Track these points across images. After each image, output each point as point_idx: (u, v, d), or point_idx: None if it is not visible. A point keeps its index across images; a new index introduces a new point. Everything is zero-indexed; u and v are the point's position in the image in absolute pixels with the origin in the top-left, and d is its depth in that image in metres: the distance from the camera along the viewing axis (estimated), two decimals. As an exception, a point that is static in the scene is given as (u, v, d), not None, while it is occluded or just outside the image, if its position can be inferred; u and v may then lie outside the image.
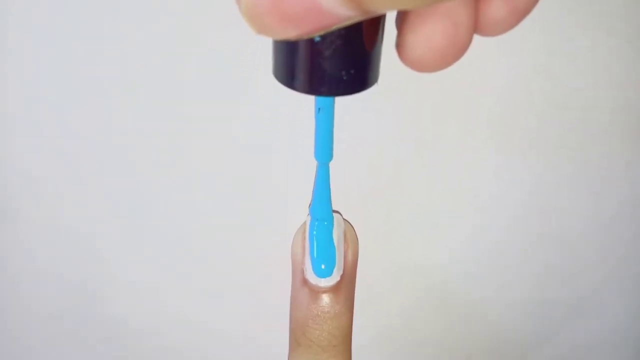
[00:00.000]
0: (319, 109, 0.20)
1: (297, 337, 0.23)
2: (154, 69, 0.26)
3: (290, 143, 0.29)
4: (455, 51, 0.14)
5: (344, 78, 0.16)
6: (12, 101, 0.27)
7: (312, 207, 0.24)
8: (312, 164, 0.28)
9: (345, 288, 0.23)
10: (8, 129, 0.27)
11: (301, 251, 0.24)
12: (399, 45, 0.15)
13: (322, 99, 0.19)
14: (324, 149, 0.22)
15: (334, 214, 0.24)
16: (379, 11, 0.12)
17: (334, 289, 0.23)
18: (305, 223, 0.25)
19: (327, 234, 0.23)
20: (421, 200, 0.34)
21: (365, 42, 0.16)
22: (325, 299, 0.23)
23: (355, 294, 0.28)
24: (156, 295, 0.32)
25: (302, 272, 0.23)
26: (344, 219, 0.24)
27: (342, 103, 0.32)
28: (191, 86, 0.27)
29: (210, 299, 0.33)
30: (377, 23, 0.16)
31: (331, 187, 0.23)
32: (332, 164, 0.27)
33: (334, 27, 0.12)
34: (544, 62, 0.32)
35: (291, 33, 0.12)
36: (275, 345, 0.30)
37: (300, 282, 0.23)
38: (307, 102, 0.29)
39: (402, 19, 0.15)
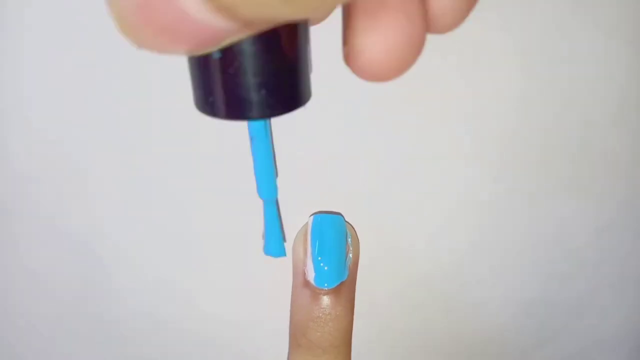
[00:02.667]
0: (251, 137, 0.18)
1: (298, 338, 0.23)
2: (155, 70, 0.26)
3: (294, 142, 0.29)
4: (413, 51, 0.13)
5: (256, 99, 0.14)
6: (11, 101, 0.27)
7: (265, 247, 0.22)
8: (316, 163, 0.28)
9: (347, 289, 0.23)
10: (7, 128, 0.27)
11: (302, 252, 0.24)
12: (348, 54, 0.13)
13: (252, 126, 0.17)
14: (266, 184, 0.19)
15: (338, 216, 0.24)
16: (255, 19, 0.11)
17: (335, 291, 0.23)
18: (307, 224, 0.25)
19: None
20: (422, 201, 0.34)
21: (275, 56, 0.14)
22: (326, 300, 0.23)
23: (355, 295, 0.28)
24: (156, 296, 0.32)
25: (303, 273, 0.23)
26: (346, 221, 0.24)
27: (338, 105, 0.32)
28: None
29: (212, 299, 0.33)
30: (283, 34, 0.14)
31: (282, 221, 0.21)
32: (331, 166, 0.27)
33: (223, 43, 0.11)
34: (544, 63, 0.32)
35: (172, 48, 0.11)
36: (275, 346, 0.30)
37: (301, 283, 0.23)
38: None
39: (348, 22, 0.13)
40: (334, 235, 0.24)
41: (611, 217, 0.39)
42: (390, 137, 0.31)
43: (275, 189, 0.19)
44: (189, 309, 0.33)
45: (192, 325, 0.34)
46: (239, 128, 0.29)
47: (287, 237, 0.24)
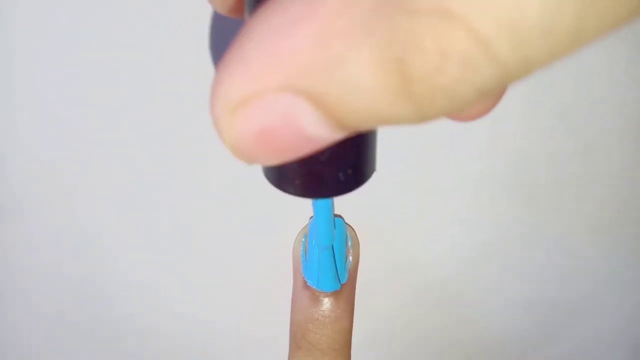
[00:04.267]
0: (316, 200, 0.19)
1: (297, 340, 0.23)
2: (160, 67, 0.26)
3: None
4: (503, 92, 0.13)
5: (342, 179, 0.15)
6: (16, 96, 0.27)
7: (319, 284, 0.23)
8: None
9: (346, 292, 0.23)
10: (12, 124, 0.27)
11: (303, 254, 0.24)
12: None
13: None
14: (325, 235, 0.21)
15: (336, 218, 0.24)
16: (364, 129, 0.11)
17: (335, 293, 0.23)
18: (306, 227, 0.25)
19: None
20: (420, 199, 0.34)
21: (360, 143, 0.15)
22: (326, 303, 0.23)
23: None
24: (161, 295, 0.32)
25: (303, 275, 0.23)
26: (346, 223, 0.24)
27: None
28: (197, 86, 0.27)
29: (215, 299, 0.33)
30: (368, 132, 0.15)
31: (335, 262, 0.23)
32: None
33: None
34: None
35: (282, 160, 0.11)
36: (276, 347, 0.30)
37: (301, 285, 0.23)
38: None
39: None
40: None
41: (611, 217, 0.39)
42: (391, 139, 0.31)
43: (332, 238, 0.21)
44: (193, 309, 0.33)
45: (196, 325, 0.34)
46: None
47: (289, 238, 0.24)
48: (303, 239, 0.24)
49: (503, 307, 0.40)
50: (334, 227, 0.21)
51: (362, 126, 0.10)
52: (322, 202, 0.19)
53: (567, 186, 0.37)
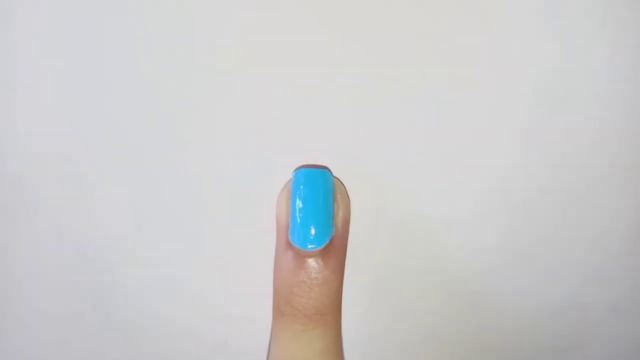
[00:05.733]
0: None
1: (281, 305, 0.21)
2: (156, 67, 0.26)
3: (293, 143, 0.28)
4: None
5: None
6: (17, 100, 0.26)
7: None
8: (314, 162, 0.28)
9: (335, 252, 0.21)
10: (11, 126, 0.27)
11: (286, 211, 0.22)
12: None
13: None
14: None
15: (324, 170, 0.22)
16: None
17: (322, 253, 0.20)
18: (290, 180, 0.23)
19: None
20: (427, 199, 0.33)
21: None
22: (312, 263, 0.20)
23: (355, 293, 0.26)
24: (164, 296, 0.32)
25: (287, 234, 0.21)
26: (333, 176, 0.22)
27: (344, 103, 0.31)
28: (195, 86, 0.27)
29: (221, 298, 0.33)
30: None
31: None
32: (341, 162, 0.27)
33: None
34: (545, 61, 0.31)
35: None
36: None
37: (285, 244, 0.21)
38: (309, 104, 0.28)
39: None
40: (319, 191, 0.21)
41: (612, 217, 0.39)
42: (400, 135, 0.30)
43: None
44: (197, 309, 0.33)
45: (201, 324, 0.34)
46: (246, 131, 0.28)
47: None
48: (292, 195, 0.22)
49: (503, 308, 0.40)
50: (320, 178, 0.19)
51: None
52: None
53: (567, 187, 0.36)
